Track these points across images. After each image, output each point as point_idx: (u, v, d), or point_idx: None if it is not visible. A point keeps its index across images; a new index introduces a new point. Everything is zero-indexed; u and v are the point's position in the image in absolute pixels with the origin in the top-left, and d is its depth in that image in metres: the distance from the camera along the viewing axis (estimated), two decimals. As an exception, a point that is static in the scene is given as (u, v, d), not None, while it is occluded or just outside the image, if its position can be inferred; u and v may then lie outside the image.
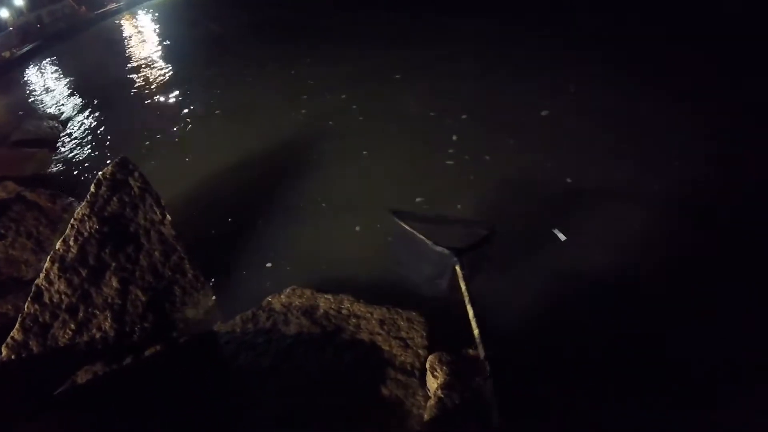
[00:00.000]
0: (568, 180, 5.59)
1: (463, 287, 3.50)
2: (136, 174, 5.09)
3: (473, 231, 3.97)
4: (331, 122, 8.13)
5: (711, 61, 7.35)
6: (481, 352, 3.12)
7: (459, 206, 5.55)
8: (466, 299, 3.42)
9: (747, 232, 4.49)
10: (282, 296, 4.45)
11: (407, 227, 4.05)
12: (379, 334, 3.85)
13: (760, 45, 7.40)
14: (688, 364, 3.56)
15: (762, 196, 4.87)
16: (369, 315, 4.05)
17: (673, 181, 5.25)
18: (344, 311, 4.14)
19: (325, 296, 4.32)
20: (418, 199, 5.78)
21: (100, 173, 5.01)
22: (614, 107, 6.75)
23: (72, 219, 4.78)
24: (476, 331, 3.23)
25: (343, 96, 8.95)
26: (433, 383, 3.27)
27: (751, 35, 7.77)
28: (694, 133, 5.89)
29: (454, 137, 6.79)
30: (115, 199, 4.93)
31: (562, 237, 4.83)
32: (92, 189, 4.91)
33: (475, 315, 3.31)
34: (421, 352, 3.67)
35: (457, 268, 3.65)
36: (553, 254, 4.70)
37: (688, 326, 3.77)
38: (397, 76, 9.36)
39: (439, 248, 3.76)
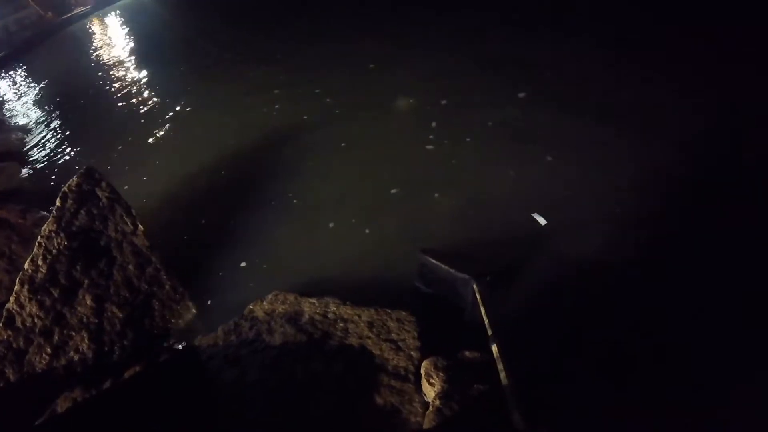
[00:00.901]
0: (549, 158, 5.46)
1: (482, 308, 3.58)
2: (104, 184, 4.84)
3: (494, 262, 4.24)
4: (305, 116, 7.88)
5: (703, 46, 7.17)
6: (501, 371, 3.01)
7: (437, 194, 5.40)
8: (486, 320, 3.45)
9: (747, 218, 4.34)
10: (264, 303, 4.23)
11: (433, 261, 4.19)
12: (369, 338, 3.66)
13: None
14: (699, 362, 3.44)
15: (749, 178, 4.75)
16: (357, 318, 3.85)
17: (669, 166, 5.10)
18: (330, 315, 3.94)
19: (310, 300, 4.10)
20: (393, 191, 5.63)
21: (65, 186, 4.76)
22: (592, 89, 6.57)
23: (39, 236, 4.54)
24: (496, 353, 3.13)
25: (317, 90, 8.68)
26: (430, 391, 3.09)
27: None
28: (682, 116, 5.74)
29: (434, 123, 6.60)
30: (82, 212, 4.69)
31: (542, 221, 4.69)
32: (58, 203, 4.67)
33: (494, 336, 3.26)
34: (413, 354, 3.49)
35: (476, 287, 3.78)
36: (537, 239, 4.56)
37: (698, 323, 3.64)
38: (371, 66, 9.10)
39: (461, 275, 3.94)
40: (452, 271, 4.00)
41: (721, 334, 3.53)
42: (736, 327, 3.55)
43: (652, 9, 8.35)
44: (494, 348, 3.11)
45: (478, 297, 3.68)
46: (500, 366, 2.98)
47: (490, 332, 3.29)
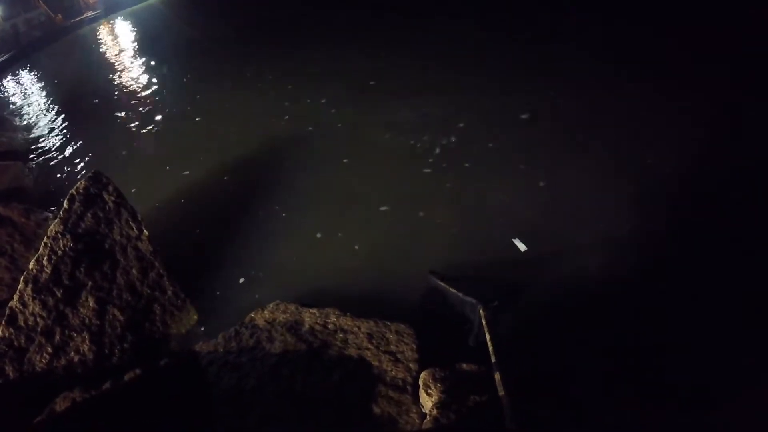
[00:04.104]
0: (541, 184, 5.57)
1: (486, 331, 3.64)
2: (110, 188, 4.90)
3: (500, 286, 4.33)
4: (310, 128, 7.99)
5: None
6: (500, 391, 3.06)
7: (421, 213, 5.52)
8: (490, 347, 3.48)
9: (747, 219, 4.49)
10: (265, 311, 4.29)
11: (442, 284, 4.33)
12: (368, 349, 3.71)
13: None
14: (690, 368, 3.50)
15: (748, 180, 4.94)
16: (356, 329, 3.91)
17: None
18: (331, 326, 3.99)
19: (310, 310, 4.16)
20: (382, 208, 5.74)
21: (73, 189, 4.82)
22: (592, 109, 6.74)
23: (45, 237, 4.59)
24: (498, 381, 3.16)
25: (323, 100, 8.81)
26: (427, 401, 3.14)
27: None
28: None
29: (437, 149, 6.66)
30: (89, 214, 4.74)
31: (522, 247, 4.78)
32: (65, 205, 4.72)
33: (497, 357, 3.31)
34: (412, 365, 3.55)
35: (482, 312, 3.85)
36: (529, 261, 4.66)
37: (688, 329, 3.72)
38: (372, 83, 9.25)
39: (468, 299, 4.05)
40: (460, 294, 4.09)
41: (721, 334, 3.61)
42: (736, 327, 3.63)
43: (649, 27, 8.59)
44: (497, 376, 3.16)
45: (483, 323, 3.73)
46: (502, 394, 3.02)
47: (493, 359, 3.34)
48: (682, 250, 4.41)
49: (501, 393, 2.99)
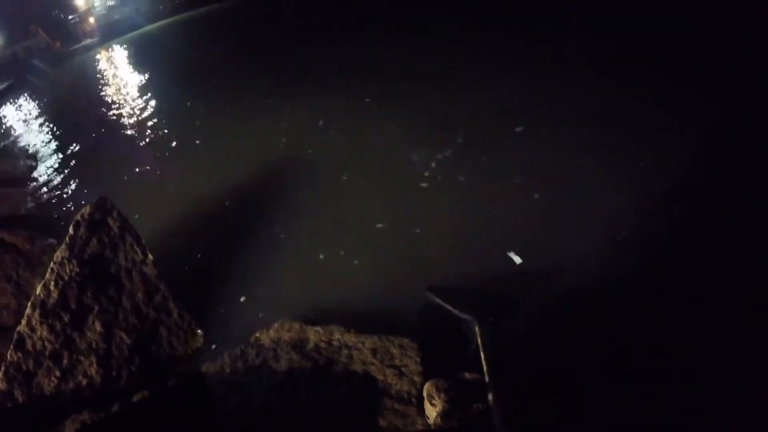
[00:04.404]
0: (536, 196, 5.62)
1: (482, 353, 3.66)
2: (115, 213, 4.98)
3: (495, 302, 4.34)
4: (309, 150, 8.12)
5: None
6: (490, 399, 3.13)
7: (418, 230, 5.59)
8: (485, 366, 3.51)
9: (746, 221, 4.56)
10: (270, 331, 4.36)
11: (439, 301, 4.36)
12: (373, 364, 3.78)
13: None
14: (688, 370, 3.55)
15: (748, 181, 5.01)
16: (361, 345, 3.98)
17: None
18: (335, 343, 4.06)
19: (315, 328, 4.23)
20: (378, 225, 5.82)
21: (78, 215, 4.90)
22: (587, 119, 6.81)
23: (51, 262, 4.66)
24: (491, 401, 3.22)
25: (321, 122, 8.95)
26: (431, 411, 3.21)
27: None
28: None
29: (432, 163, 6.76)
30: (94, 240, 4.82)
31: (517, 260, 4.84)
32: (71, 231, 4.79)
33: (492, 383, 3.34)
34: (416, 378, 3.61)
35: (478, 330, 3.88)
36: (525, 274, 4.70)
37: (685, 335, 3.77)
38: (368, 100, 9.41)
39: (464, 316, 4.10)
40: (456, 312, 4.15)
41: (721, 334, 3.65)
42: (736, 327, 3.68)
43: (649, 27, 8.74)
44: (490, 396, 3.22)
45: (479, 341, 3.78)
46: (495, 414, 3.09)
47: (487, 378, 3.38)
48: (682, 250, 4.46)
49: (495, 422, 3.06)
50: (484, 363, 3.55)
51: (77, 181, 9.37)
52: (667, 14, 9.51)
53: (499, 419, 3.03)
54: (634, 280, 4.32)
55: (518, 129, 6.96)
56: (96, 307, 4.57)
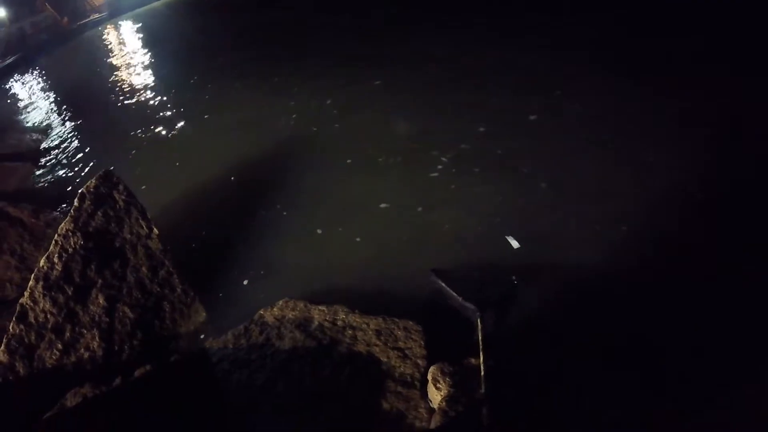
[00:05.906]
0: (543, 185, 5.56)
1: (480, 336, 3.64)
2: (121, 187, 4.94)
3: (498, 287, 4.27)
4: (315, 128, 8.07)
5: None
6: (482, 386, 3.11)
7: (423, 211, 5.56)
8: (481, 348, 3.50)
9: (741, 227, 4.49)
10: (274, 309, 4.32)
11: (444, 285, 4.30)
12: (377, 345, 3.74)
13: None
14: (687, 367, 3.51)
15: (747, 181, 4.95)
16: (365, 326, 3.94)
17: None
18: (339, 323, 4.02)
19: (319, 308, 4.19)
20: (382, 205, 5.79)
21: (83, 188, 4.86)
22: (600, 110, 6.73)
23: (56, 235, 4.63)
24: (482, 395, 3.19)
25: (328, 101, 8.88)
26: (436, 395, 3.17)
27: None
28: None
29: (444, 156, 6.61)
30: (99, 213, 4.78)
31: (515, 244, 4.79)
32: (76, 203, 4.76)
33: (486, 377, 3.30)
34: (420, 362, 3.57)
35: (479, 321, 3.83)
36: (530, 261, 4.64)
37: (686, 331, 3.72)
38: (377, 83, 9.30)
39: (468, 304, 4.03)
40: (460, 298, 4.10)
41: (721, 334, 3.61)
42: (736, 327, 3.63)
43: (649, 27, 8.64)
44: (483, 388, 3.18)
45: (479, 333, 3.73)
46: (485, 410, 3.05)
47: (483, 372, 3.33)
48: (683, 250, 4.40)
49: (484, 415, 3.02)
50: (481, 354, 3.50)
51: (83, 155, 9.33)
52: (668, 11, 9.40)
53: (487, 411, 3.01)
54: (635, 275, 4.27)
55: (532, 117, 6.86)
56: (100, 281, 4.54)
